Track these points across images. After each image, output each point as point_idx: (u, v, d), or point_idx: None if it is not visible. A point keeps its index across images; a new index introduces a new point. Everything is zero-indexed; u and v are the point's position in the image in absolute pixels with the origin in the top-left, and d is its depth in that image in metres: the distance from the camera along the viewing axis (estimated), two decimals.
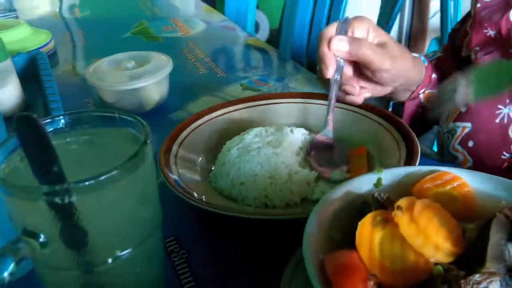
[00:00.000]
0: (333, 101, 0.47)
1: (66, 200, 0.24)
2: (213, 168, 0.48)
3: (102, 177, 0.25)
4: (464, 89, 0.39)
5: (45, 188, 0.24)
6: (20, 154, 0.29)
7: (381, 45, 0.48)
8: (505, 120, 0.50)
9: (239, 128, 0.52)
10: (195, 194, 0.42)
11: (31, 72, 0.70)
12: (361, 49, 0.46)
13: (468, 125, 0.52)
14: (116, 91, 0.61)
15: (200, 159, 0.49)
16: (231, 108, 0.55)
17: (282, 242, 0.38)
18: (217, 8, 1.26)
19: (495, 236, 0.27)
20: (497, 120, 0.50)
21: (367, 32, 0.48)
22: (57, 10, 1.17)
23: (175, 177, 0.43)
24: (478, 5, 0.53)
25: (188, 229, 0.43)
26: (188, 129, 0.50)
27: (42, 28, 0.89)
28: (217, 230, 0.43)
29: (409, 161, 0.42)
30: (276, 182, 0.43)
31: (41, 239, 0.26)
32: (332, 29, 0.47)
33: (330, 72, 0.46)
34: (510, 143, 0.50)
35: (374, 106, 0.52)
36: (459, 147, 0.53)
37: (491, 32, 0.51)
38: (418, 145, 0.43)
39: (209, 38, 0.94)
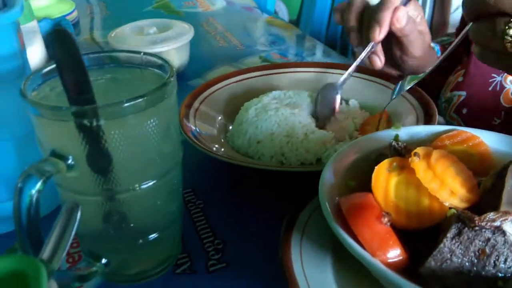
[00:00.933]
0: (359, 59, 0.48)
1: (94, 123, 0.25)
2: (230, 127, 0.49)
3: (128, 103, 0.26)
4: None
5: (74, 108, 0.25)
6: (50, 85, 0.30)
7: (421, 34, 0.50)
8: (498, 88, 0.52)
9: (258, 93, 0.52)
10: (214, 148, 0.43)
11: None
12: (414, 30, 0.48)
13: (463, 93, 0.54)
14: None
15: (220, 118, 0.50)
16: (251, 74, 0.55)
17: (297, 196, 0.39)
18: None
19: (510, 181, 0.27)
20: (490, 88, 0.52)
21: (418, 16, 0.50)
22: None
23: (194, 129, 0.44)
24: None
25: (205, 181, 0.43)
26: (210, 90, 0.51)
27: None
28: (233, 183, 0.44)
29: (427, 122, 0.42)
30: (292, 141, 0.44)
31: (68, 161, 0.27)
32: None
33: (380, 36, 0.46)
34: (501, 109, 0.51)
35: (393, 76, 0.52)
36: (454, 115, 0.55)
37: None
38: (435, 108, 0.44)
39: (229, 15, 0.94)
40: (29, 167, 0.25)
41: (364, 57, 0.48)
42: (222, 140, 0.47)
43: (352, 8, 0.49)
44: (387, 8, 0.46)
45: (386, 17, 0.46)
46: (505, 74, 0.51)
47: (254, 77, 0.56)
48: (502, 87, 0.51)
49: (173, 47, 0.62)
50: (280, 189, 0.42)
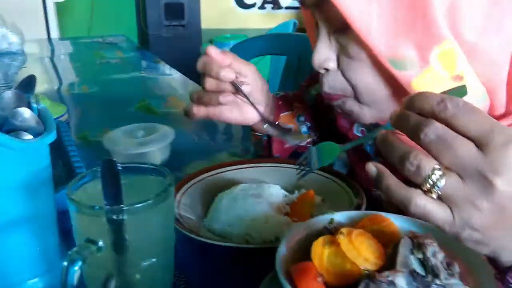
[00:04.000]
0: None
1: (120, 217, 0.37)
2: (207, 214, 0.61)
3: (145, 203, 0.38)
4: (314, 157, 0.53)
5: (109, 207, 0.37)
6: (83, 190, 0.42)
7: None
8: None
9: (229, 185, 0.65)
10: (193, 230, 0.54)
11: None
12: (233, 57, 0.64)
13: None
14: (127, 154, 0.75)
15: (198, 206, 0.62)
16: (223, 169, 0.69)
17: (259, 268, 0.50)
18: None
19: (402, 250, 0.41)
20: None
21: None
22: (66, 86, 1.34)
23: (178, 217, 0.56)
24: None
25: (188, 261, 0.55)
26: (190, 183, 0.64)
27: (57, 101, 1.04)
28: (209, 260, 0.55)
29: (357, 208, 0.56)
30: (256, 224, 0.56)
31: (98, 245, 0.38)
32: (204, 56, 0.63)
33: (232, 74, 0.62)
34: None
35: (335, 170, 0.67)
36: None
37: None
38: (364, 197, 0.58)
39: None
40: (72, 251, 0.37)
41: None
42: (201, 225, 0.59)
43: (204, 94, 0.65)
44: (209, 61, 0.62)
45: (215, 64, 0.61)
46: None
47: (226, 171, 0.69)
48: None
49: (158, 147, 0.76)
50: (247, 263, 0.53)
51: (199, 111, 0.65)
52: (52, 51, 1.96)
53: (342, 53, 0.54)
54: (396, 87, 0.52)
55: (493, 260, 0.41)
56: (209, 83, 0.63)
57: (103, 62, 1.68)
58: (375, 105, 0.56)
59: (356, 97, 0.56)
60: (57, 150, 0.80)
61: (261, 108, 0.68)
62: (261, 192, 0.61)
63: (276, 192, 0.62)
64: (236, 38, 3.36)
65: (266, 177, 0.68)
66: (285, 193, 0.63)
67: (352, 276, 0.41)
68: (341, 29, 0.52)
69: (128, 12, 3.46)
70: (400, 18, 0.48)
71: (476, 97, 0.50)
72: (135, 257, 0.40)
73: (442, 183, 0.35)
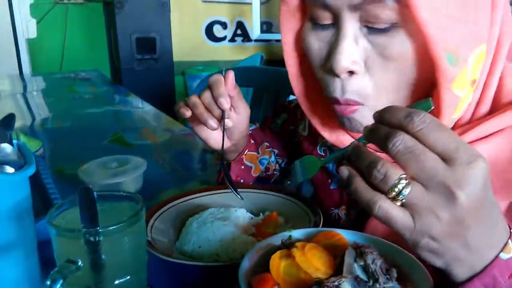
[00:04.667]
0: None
1: (97, 239, 0.42)
2: (179, 237, 0.66)
3: (119, 225, 0.43)
4: (299, 170, 0.56)
5: (87, 230, 0.42)
6: (62, 216, 0.46)
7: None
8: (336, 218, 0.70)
9: (199, 209, 0.70)
10: (165, 253, 0.59)
11: None
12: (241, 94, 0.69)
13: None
14: (102, 185, 0.79)
15: (170, 230, 0.67)
16: (193, 196, 0.74)
17: (227, 285, 0.55)
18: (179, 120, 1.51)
19: (347, 259, 0.46)
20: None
21: None
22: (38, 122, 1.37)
23: (150, 240, 0.60)
24: (301, 138, 0.78)
25: (161, 281, 0.59)
26: (162, 209, 0.69)
27: (31, 136, 1.08)
28: (181, 279, 0.59)
29: (316, 225, 0.62)
30: (224, 244, 0.61)
31: (78, 265, 0.42)
32: (221, 76, 0.66)
33: (228, 105, 0.66)
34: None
35: (297, 193, 0.73)
36: None
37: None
38: (321, 215, 0.64)
39: (172, 144, 1.15)
40: (53, 271, 0.41)
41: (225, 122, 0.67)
42: (172, 248, 0.64)
43: (198, 105, 0.67)
44: (221, 83, 0.65)
45: (223, 89, 0.65)
46: (342, 206, 0.69)
47: (196, 197, 0.74)
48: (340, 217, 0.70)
49: (130, 177, 0.80)
50: (217, 281, 0.58)
51: (186, 114, 0.68)
52: (25, 87, 1.99)
53: (374, 53, 0.51)
54: (417, 87, 0.53)
55: (446, 276, 0.43)
56: (206, 97, 0.67)
57: (76, 97, 1.72)
58: None
59: (372, 104, 0.54)
60: (35, 183, 0.83)
61: (228, 143, 0.74)
62: (228, 215, 0.67)
63: (242, 215, 0.68)
64: (209, 70, 3.46)
65: (233, 201, 0.73)
66: (251, 215, 0.69)
67: (305, 284, 0.46)
68: (381, 29, 0.49)
69: (100, 46, 3.52)
70: (461, 14, 0.48)
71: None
72: (111, 274, 0.44)
73: (406, 191, 0.37)
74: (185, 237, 0.64)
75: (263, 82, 1.39)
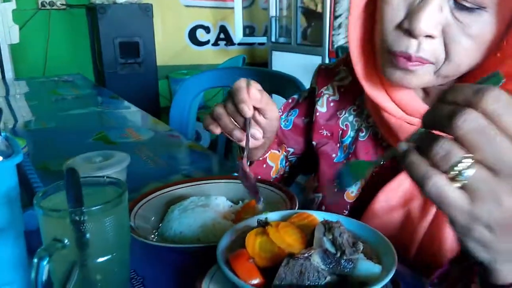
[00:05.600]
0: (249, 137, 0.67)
1: (82, 218, 0.45)
2: (160, 224, 0.69)
3: (102, 205, 0.46)
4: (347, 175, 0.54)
5: (72, 210, 0.45)
6: (49, 200, 0.49)
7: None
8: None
9: (180, 199, 0.73)
10: (149, 237, 0.62)
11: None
12: (269, 98, 0.66)
13: (320, 195, 0.77)
14: None
15: (153, 218, 0.70)
16: (176, 186, 0.77)
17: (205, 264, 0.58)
18: (162, 120, 1.53)
19: (317, 233, 0.50)
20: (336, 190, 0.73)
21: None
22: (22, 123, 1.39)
23: (134, 226, 0.63)
24: (317, 114, 0.80)
25: (144, 264, 0.62)
26: (146, 199, 0.71)
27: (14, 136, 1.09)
28: (166, 262, 0.62)
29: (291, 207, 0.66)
30: (204, 229, 0.65)
31: (63, 243, 0.45)
32: (243, 83, 0.64)
33: (250, 113, 0.63)
34: (347, 203, 0.73)
35: (274, 183, 0.77)
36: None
37: (325, 132, 0.79)
38: (297, 200, 0.68)
39: (157, 143, 1.18)
40: (40, 249, 0.44)
41: (248, 135, 0.66)
42: (154, 233, 0.67)
43: (222, 116, 0.66)
44: (241, 91, 0.62)
45: (245, 98, 0.62)
46: None
47: (178, 188, 0.77)
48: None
49: (114, 171, 0.83)
50: (197, 261, 0.61)
51: (216, 132, 0.67)
52: (7, 91, 1.99)
53: (454, 26, 0.53)
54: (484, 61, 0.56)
55: (485, 273, 0.39)
56: (229, 106, 0.65)
57: (59, 99, 1.73)
58: (447, 79, 0.58)
59: (441, 67, 0.56)
60: (20, 178, 0.85)
61: (258, 143, 0.73)
62: (209, 202, 0.70)
63: (222, 203, 0.71)
64: (192, 74, 3.49)
65: (213, 191, 0.76)
66: (231, 203, 0.72)
67: (279, 259, 0.49)
68: (468, 8, 0.51)
69: (83, 51, 3.52)
70: None
71: None
72: (94, 253, 0.47)
73: (469, 173, 0.33)
74: (167, 224, 0.67)
75: None
